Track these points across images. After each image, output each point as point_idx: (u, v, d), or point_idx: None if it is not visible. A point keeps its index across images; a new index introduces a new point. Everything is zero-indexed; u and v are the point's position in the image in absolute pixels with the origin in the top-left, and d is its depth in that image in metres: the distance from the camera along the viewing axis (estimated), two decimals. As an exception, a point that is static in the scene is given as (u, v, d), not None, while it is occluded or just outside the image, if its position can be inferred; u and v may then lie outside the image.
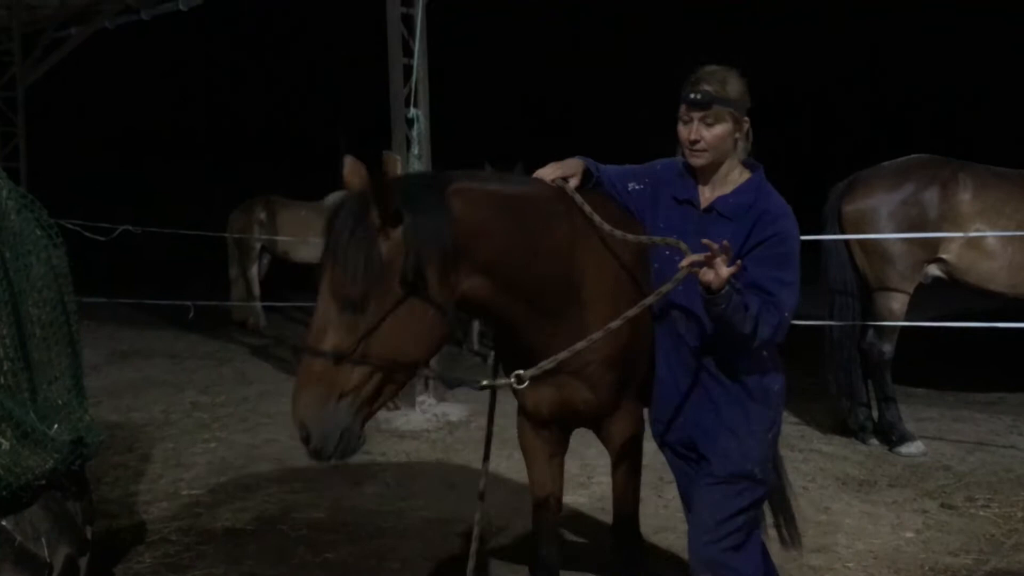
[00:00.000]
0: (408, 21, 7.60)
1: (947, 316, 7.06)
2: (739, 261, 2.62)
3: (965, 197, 6.32)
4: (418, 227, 2.57)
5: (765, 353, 2.89)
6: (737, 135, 2.83)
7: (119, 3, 10.78)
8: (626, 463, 3.25)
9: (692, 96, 2.77)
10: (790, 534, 3.84)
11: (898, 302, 6.44)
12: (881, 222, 6.41)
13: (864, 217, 6.48)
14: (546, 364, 2.77)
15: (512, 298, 2.84)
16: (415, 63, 7.56)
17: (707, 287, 2.56)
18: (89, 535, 4.09)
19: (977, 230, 6.26)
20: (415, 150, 7.51)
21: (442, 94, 8.43)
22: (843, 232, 6.58)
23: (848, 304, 6.61)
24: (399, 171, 7.36)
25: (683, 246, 2.71)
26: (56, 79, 12.45)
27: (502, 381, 2.88)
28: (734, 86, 2.79)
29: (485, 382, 2.98)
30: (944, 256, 6.36)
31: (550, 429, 3.30)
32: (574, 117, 24.78)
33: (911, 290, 6.48)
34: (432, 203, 2.63)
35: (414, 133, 7.51)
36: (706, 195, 2.91)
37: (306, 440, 2.60)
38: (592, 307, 2.96)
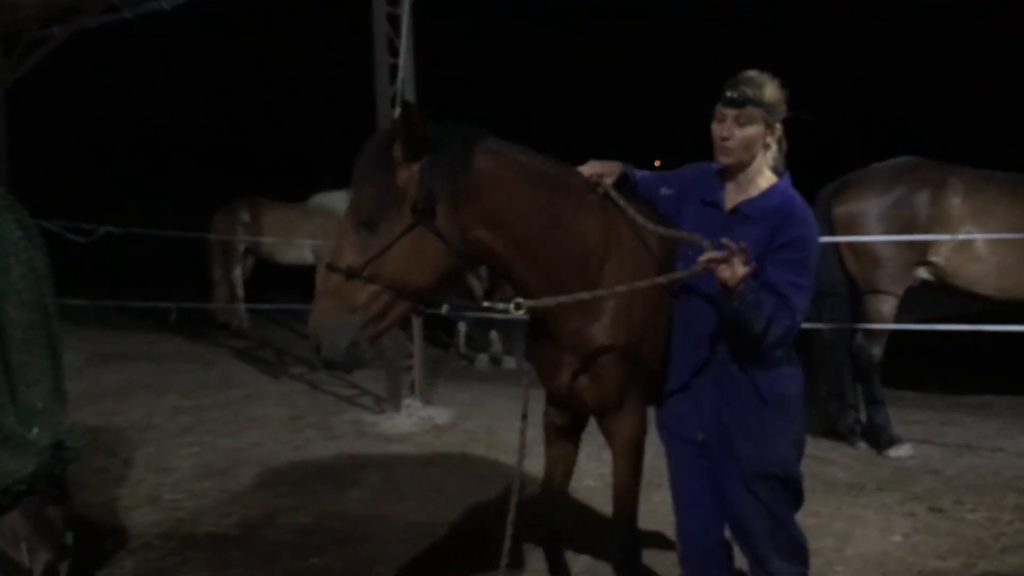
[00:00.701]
0: (394, 21, 7.56)
1: (936, 319, 7.06)
2: (753, 263, 2.70)
3: (955, 200, 6.34)
4: (436, 165, 2.80)
5: (779, 354, 2.97)
6: (768, 139, 2.94)
7: (101, 2, 10.67)
8: (627, 459, 3.31)
9: (729, 94, 2.88)
10: None
11: (887, 305, 6.46)
12: (871, 224, 6.42)
13: (854, 219, 6.49)
14: (547, 300, 2.96)
15: (523, 260, 2.99)
16: (401, 63, 7.52)
17: (724, 284, 2.70)
18: (70, 540, 4.05)
19: (967, 233, 6.27)
20: (402, 151, 7.46)
21: (428, 94, 8.37)
22: (833, 234, 6.59)
23: (837, 306, 6.62)
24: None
25: (705, 243, 2.82)
26: (38, 79, 12.33)
27: (501, 305, 3.05)
28: (771, 92, 2.91)
29: (486, 303, 3.22)
30: (933, 259, 6.38)
31: (567, 414, 3.47)
32: (562, 118, 24.84)
33: (901, 293, 6.49)
34: (457, 149, 2.84)
35: (400, 134, 7.46)
36: (732, 197, 3.01)
37: (317, 348, 2.86)
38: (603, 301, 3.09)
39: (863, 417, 6.67)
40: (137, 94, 24.32)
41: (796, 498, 3.14)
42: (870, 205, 6.44)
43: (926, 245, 6.35)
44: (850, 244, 6.49)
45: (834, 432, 6.68)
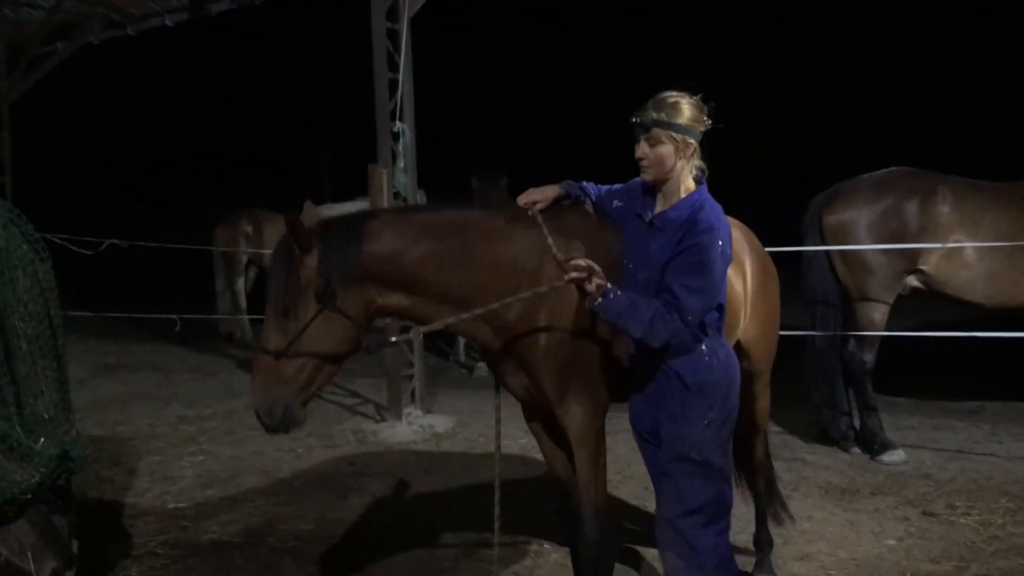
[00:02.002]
0: (393, 36, 7.65)
1: (927, 326, 7.13)
2: (600, 283, 2.99)
3: (944, 209, 6.40)
4: (328, 258, 3.22)
5: (704, 347, 3.17)
6: (680, 157, 3.12)
7: (105, 18, 10.78)
8: (583, 453, 3.47)
9: (633, 119, 3.14)
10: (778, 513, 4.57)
11: (879, 312, 6.52)
12: (861, 233, 6.49)
13: (845, 228, 6.56)
14: (436, 324, 3.37)
15: (447, 303, 3.35)
16: (400, 77, 7.61)
17: (588, 296, 3.01)
18: (75, 549, 4.07)
19: (956, 241, 6.34)
20: (401, 163, 7.55)
21: (428, 107, 8.46)
22: (824, 243, 6.66)
23: (829, 314, 6.69)
24: (384, 184, 7.41)
25: (560, 259, 3.19)
26: (42, 94, 12.43)
27: (394, 338, 3.85)
28: (680, 112, 3.10)
29: (393, 338, 3.84)
30: (923, 267, 6.44)
31: (537, 412, 3.72)
32: (561, 129, 24.85)
33: (891, 300, 6.55)
34: (344, 238, 3.26)
35: (400, 147, 7.55)
36: (656, 209, 3.23)
37: (258, 417, 3.27)
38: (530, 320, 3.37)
39: (856, 423, 6.73)
40: (139, 108, 24.39)
41: (712, 489, 3.19)
42: (860, 214, 6.51)
43: (916, 253, 6.41)
44: (841, 253, 6.56)
45: (827, 438, 6.75)
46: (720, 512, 3.22)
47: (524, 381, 3.49)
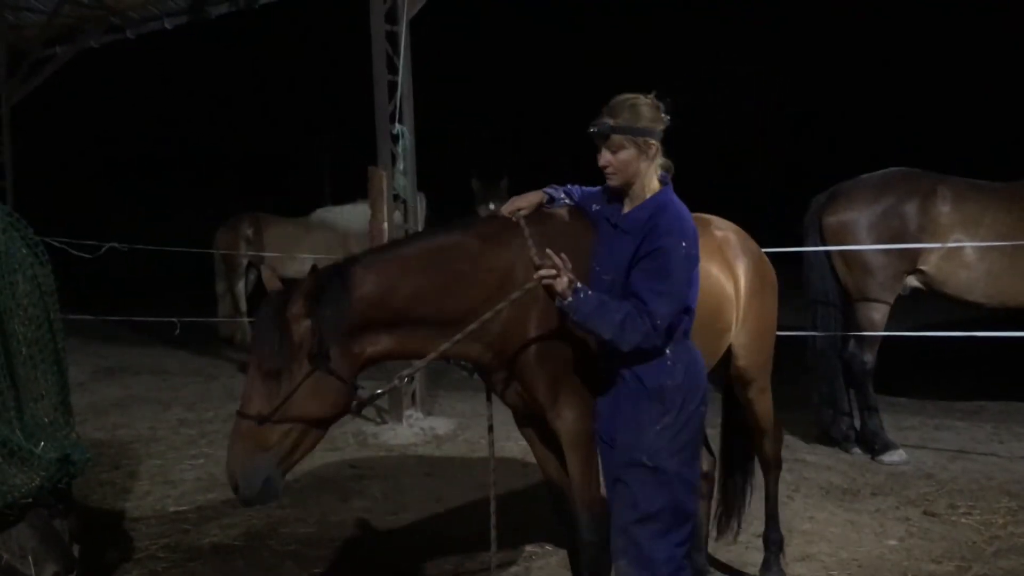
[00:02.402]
0: (392, 38, 7.65)
1: (928, 326, 7.13)
2: (571, 281, 2.98)
3: (944, 209, 6.41)
4: (322, 318, 3.09)
5: (667, 352, 3.12)
6: (643, 158, 3.10)
7: (104, 22, 10.80)
8: (575, 456, 3.44)
9: (591, 129, 3.11)
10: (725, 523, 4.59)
11: (879, 312, 6.52)
12: (862, 234, 6.49)
13: (845, 229, 6.56)
14: (419, 364, 3.41)
15: (437, 329, 3.29)
16: (400, 80, 7.62)
17: (559, 296, 3.00)
18: (76, 553, 4.08)
19: (956, 242, 6.34)
20: (400, 165, 7.56)
21: (428, 109, 8.47)
22: (824, 243, 6.66)
23: (830, 315, 6.69)
24: (384, 186, 7.41)
25: (535, 260, 3.16)
26: (42, 98, 12.44)
27: (382, 389, 3.47)
28: (641, 113, 3.09)
29: (379, 391, 3.45)
30: (923, 267, 6.44)
31: (528, 418, 3.69)
32: (561, 130, 24.85)
33: (892, 300, 6.55)
34: (337, 293, 3.15)
35: (399, 149, 7.56)
36: (622, 212, 3.21)
37: (235, 488, 3.11)
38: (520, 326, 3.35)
39: (857, 423, 6.72)
40: (139, 111, 24.41)
41: (663, 496, 3.13)
42: (860, 215, 6.51)
43: (916, 253, 6.41)
44: (841, 253, 6.56)
45: (828, 438, 6.74)
46: (678, 521, 3.14)
47: (516, 388, 3.46)
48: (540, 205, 3.49)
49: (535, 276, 3.06)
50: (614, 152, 3.09)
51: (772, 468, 4.47)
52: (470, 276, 3.29)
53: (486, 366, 3.48)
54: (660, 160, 3.15)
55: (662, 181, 3.18)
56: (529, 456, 6.41)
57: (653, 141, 3.11)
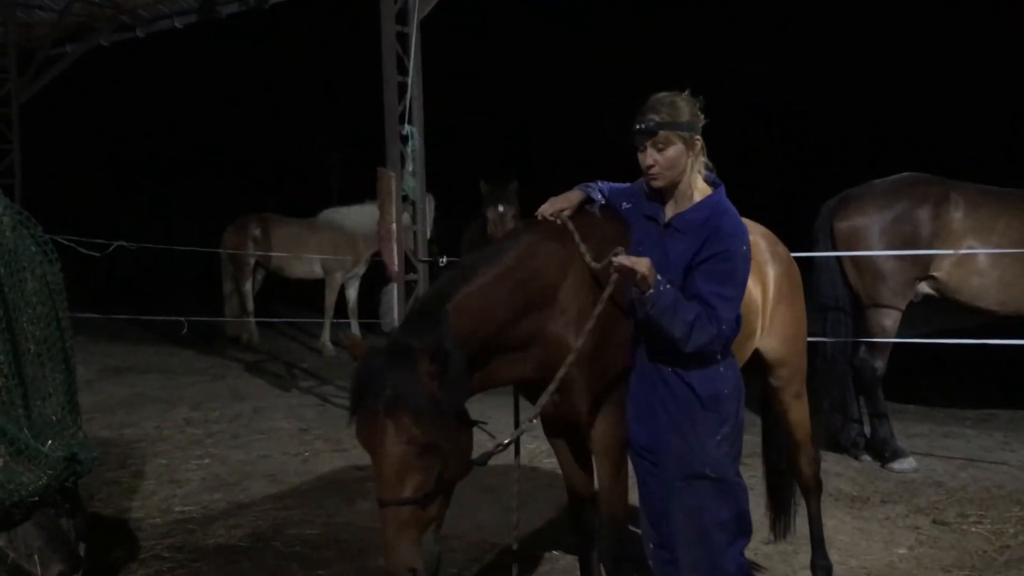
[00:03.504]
0: (403, 39, 7.65)
1: (938, 333, 7.09)
2: (651, 272, 2.87)
3: (957, 215, 6.37)
4: (451, 364, 2.85)
5: (718, 357, 3.07)
6: (690, 155, 3.04)
7: (114, 20, 10.82)
8: (607, 464, 3.38)
9: (638, 126, 3.01)
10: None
11: (890, 319, 6.48)
12: (873, 239, 6.46)
13: (856, 234, 6.53)
14: (542, 400, 3.08)
15: (514, 355, 3.19)
16: (410, 80, 7.61)
17: (637, 284, 2.89)
18: (82, 552, 4.07)
19: (968, 248, 6.30)
20: (410, 167, 7.55)
21: (438, 110, 8.46)
22: (835, 249, 6.63)
23: (840, 320, 6.65)
24: (393, 187, 7.40)
25: (619, 249, 3.02)
26: (52, 96, 12.47)
27: (513, 436, 3.18)
28: (680, 110, 3.02)
29: (507, 440, 3.13)
30: (935, 273, 6.41)
31: (559, 426, 3.61)
32: (571, 131, 24.85)
33: (903, 307, 6.52)
34: (447, 342, 2.87)
35: (409, 150, 7.55)
36: (669, 211, 3.13)
37: None
38: (566, 328, 3.22)
39: (867, 430, 6.68)
40: (149, 110, 24.45)
41: (730, 506, 3.11)
42: (872, 220, 6.48)
43: (928, 260, 6.38)
44: (852, 259, 6.53)
45: (838, 445, 6.70)
46: (743, 530, 3.12)
47: (555, 398, 3.25)
48: (581, 205, 3.40)
49: (615, 266, 2.93)
50: (660, 150, 2.99)
51: (812, 490, 4.34)
52: (544, 290, 3.19)
53: (527, 379, 3.33)
54: (703, 158, 3.09)
55: (710, 182, 3.12)
56: (536, 460, 6.42)
57: (698, 137, 3.05)
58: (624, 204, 3.32)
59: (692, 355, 2.98)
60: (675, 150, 3.00)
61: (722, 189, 3.12)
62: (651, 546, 3.25)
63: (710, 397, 3.04)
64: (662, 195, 3.14)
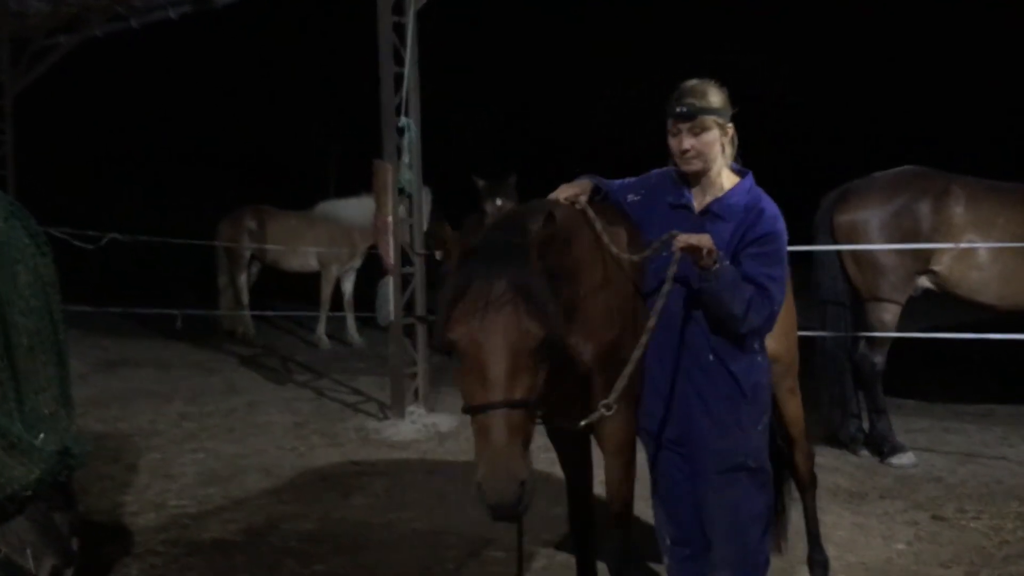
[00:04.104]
0: (400, 30, 7.60)
1: (938, 328, 7.07)
2: (714, 249, 2.82)
3: (957, 209, 6.35)
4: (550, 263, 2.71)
5: (756, 346, 3.09)
6: (723, 140, 3.07)
7: (109, 11, 10.73)
8: (618, 462, 3.33)
9: (679, 109, 3.03)
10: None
11: (890, 313, 6.46)
12: (873, 233, 6.43)
13: (856, 228, 6.50)
14: (612, 398, 2.84)
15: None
16: (406, 72, 7.56)
17: (701, 264, 2.83)
18: (75, 546, 4.06)
19: (969, 242, 6.28)
20: (406, 159, 7.50)
21: (435, 102, 8.41)
22: (835, 243, 6.60)
23: (840, 315, 6.63)
24: (389, 179, 7.35)
25: (674, 232, 2.91)
26: (45, 87, 12.40)
27: (594, 416, 2.90)
28: (715, 96, 3.05)
29: (583, 422, 2.93)
30: (935, 268, 6.38)
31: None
32: (569, 123, 24.84)
33: (903, 301, 6.50)
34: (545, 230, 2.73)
35: (405, 142, 7.50)
36: (700, 199, 3.14)
37: (518, 501, 2.45)
38: (589, 322, 3.10)
39: (866, 425, 6.66)
40: (143, 101, 24.36)
41: (764, 498, 3.14)
42: (872, 214, 6.46)
43: (928, 254, 6.35)
44: (852, 252, 6.50)
45: (837, 440, 6.68)
46: (769, 522, 3.17)
47: (571, 392, 3.17)
48: (592, 195, 3.36)
49: (678, 245, 2.84)
50: (697, 135, 3.01)
51: (808, 486, 4.33)
52: (588, 261, 3.11)
53: None
54: (732, 147, 3.12)
55: (735, 170, 3.15)
56: (532, 455, 6.39)
57: (730, 124, 3.08)
58: (630, 197, 3.31)
59: (738, 342, 3.00)
60: (711, 135, 3.03)
61: (751, 175, 3.15)
62: (668, 542, 3.24)
63: (752, 386, 3.06)
64: (688, 182, 3.15)
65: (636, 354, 2.91)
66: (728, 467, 3.05)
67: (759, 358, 3.08)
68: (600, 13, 23.34)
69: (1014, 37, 17.64)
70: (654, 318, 2.92)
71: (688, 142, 3.02)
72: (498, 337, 2.50)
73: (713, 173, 3.09)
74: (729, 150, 3.11)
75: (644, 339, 2.93)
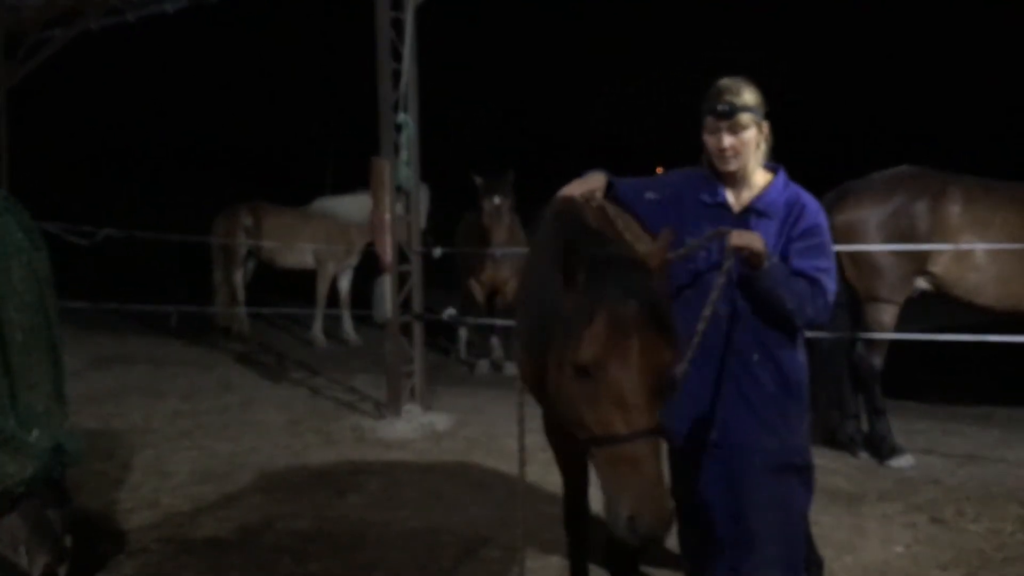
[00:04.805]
0: (398, 26, 7.57)
1: (937, 329, 7.05)
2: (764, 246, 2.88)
3: (954, 210, 6.33)
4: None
5: (799, 343, 3.13)
6: (759, 138, 3.09)
7: (104, 5, 10.67)
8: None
9: (720, 108, 3.03)
10: None
11: (888, 314, 6.44)
12: (870, 234, 6.41)
13: (854, 228, 6.47)
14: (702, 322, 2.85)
15: None
16: (404, 68, 7.53)
17: (751, 261, 2.88)
18: (68, 544, 4.05)
19: (966, 243, 6.26)
20: (404, 156, 7.48)
21: (433, 98, 8.38)
22: (833, 243, 6.57)
23: (838, 316, 6.60)
24: (386, 176, 7.32)
25: (723, 230, 2.96)
26: (40, 81, 12.34)
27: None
28: (751, 95, 3.07)
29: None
30: (933, 269, 6.36)
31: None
32: (567, 120, 24.86)
33: (901, 301, 6.48)
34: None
35: (403, 138, 7.47)
36: (737, 197, 3.15)
37: (668, 529, 2.41)
38: None
39: (864, 427, 6.65)
40: (139, 96, 24.30)
41: (808, 495, 3.20)
42: (869, 214, 6.44)
43: (925, 255, 6.34)
44: (850, 253, 6.48)
45: (835, 442, 6.66)
46: (808, 520, 3.23)
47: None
48: (606, 191, 3.33)
49: (732, 245, 2.86)
50: (737, 133, 3.04)
51: None
52: None
53: None
54: (766, 146, 3.14)
55: (769, 168, 3.17)
56: (529, 455, 6.36)
57: (765, 123, 3.10)
58: (648, 195, 3.27)
59: (785, 339, 3.04)
60: (750, 134, 3.06)
61: (783, 171, 3.19)
62: (690, 545, 3.24)
63: (797, 384, 3.10)
64: (722, 180, 3.16)
65: (688, 355, 2.82)
66: (778, 466, 3.06)
67: (800, 356, 3.11)
68: (598, 10, 23.37)
69: (1012, 36, 17.66)
70: (703, 320, 2.86)
71: (727, 140, 3.04)
72: (644, 361, 2.41)
73: (749, 171, 3.12)
74: (764, 147, 3.13)
75: (696, 339, 2.85)
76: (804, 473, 3.13)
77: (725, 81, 3.09)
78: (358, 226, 11.42)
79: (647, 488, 2.33)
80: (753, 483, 3.08)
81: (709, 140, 3.09)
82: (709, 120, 3.07)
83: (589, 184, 3.23)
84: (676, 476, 3.24)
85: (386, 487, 5.92)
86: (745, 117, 3.03)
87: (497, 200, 9.02)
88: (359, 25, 8.82)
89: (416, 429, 7.33)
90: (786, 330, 3.05)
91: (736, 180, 3.14)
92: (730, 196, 3.15)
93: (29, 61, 11.35)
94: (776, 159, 3.22)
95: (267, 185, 18.88)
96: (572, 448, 3.45)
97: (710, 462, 3.14)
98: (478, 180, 9.28)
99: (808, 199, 3.12)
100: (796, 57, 21.09)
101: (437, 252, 8.10)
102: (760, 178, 3.15)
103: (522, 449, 3.43)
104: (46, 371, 3.99)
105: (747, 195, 3.13)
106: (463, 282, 10.29)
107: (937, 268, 6.37)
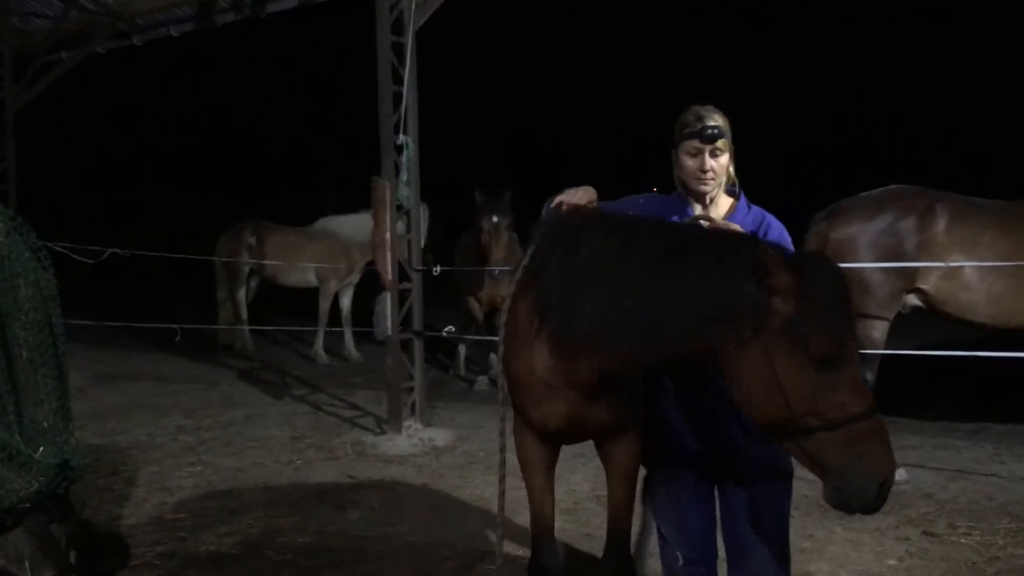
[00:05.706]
0: (398, 49, 7.68)
1: (929, 345, 7.09)
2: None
3: (940, 228, 6.37)
4: None
5: None
6: (731, 162, 3.21)
7: (111, 28, 10.83)
8: (626, 488, 3.27)
9: (708, 132, 3.11)
10: None
11: (878, 330, 6.48)
12: (860, 251, 6.46)
13: (843, 246, 6.52)
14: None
15: None
16: (405, 90, 7.63)
17: None
18: (73, 559, 4.07)
19: (953, 261, 6.30)
20: (404, 176, 7.57)
21: (432, 120, 8.48)
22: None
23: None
24: (388, 197, 7.42)
25: (700, 215, 3.12)
26: (47, 103, 12.47)
27: None
28: (723, 120, 3.16)
29: None
30: (922, 286, 6.41)
31: (551, 443, 3.30)
32: (565, 139, 24.92)
33: (891, 318, 6.51)
34: None
35: (404, 159, 7.57)
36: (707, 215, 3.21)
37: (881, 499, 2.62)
38: None
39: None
40: (144, 118, 24.47)
41: (791, 501, 3.30)
42: (858, 232, 6.49)
43: (914, 272, 6.38)
44: (840, 270, 6.53)
45: (829, 456, 6.70)
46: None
47: (589, 409, 3.06)
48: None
49: (708, 227, 2.96)
50: (716, 156, 3.14)
51: None
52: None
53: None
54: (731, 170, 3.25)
55: (728, 191, 3.28)
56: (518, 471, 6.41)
57: (732, 146, 3.21)
58: (631, 213, 3.28)
59: None
60: (726, 158, 3.17)
61: (743, 193, 3.30)
62: (680, 562, 3.23)
63: None
64: (688, 204, 3.25)
65: None
66: (771, 473, 3.15)
67: None
68: (598, 34, 23.51)
69: (1007, 52, 17.73)
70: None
71: (709, 163, 3.13)
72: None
73: (717, 193, 3.22)
74: (731, 171, 3.25)
75: None
76: (789, 479, 3.21)
77: (699, 108, 3.17)
78: (359, 245, 11.52)
79: (889, 454, 2.60)
80: (745, 492, 3.18)
81: (690, 162, 3.16)
82: (692, 143, 3.14)
83: (586, 195, 3.19)
84: (664, 489, 3.30)
85: (387, 502, 5.97)
86: (723, 142, 3.13)
87: (496, 219, 9.10)
88: (361, 49, 8.94)
89: (416, 444, 7.39)
90: None
91: (705, 202, 3.23)
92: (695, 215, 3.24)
93: (37, 83, 11.50)
94: (769, 179, 3.33)
95: (271, 205, 19.00)
96: (547, 473, 3.35)
97: (699, 474, 3.20)
98: (478, 197, 9.37)
99: (772, 218, 3.22)
100: (785, 76, 21.20)
101: (437, 270, 8.19)
102: (724, 201, 3.26)
103: (503, 464, 3.42)
104: (51, 388, 4.02)
105: (715, 215, 3.22)
106: (462, 299, 10.37)
107: (927, 286, 6.42)
